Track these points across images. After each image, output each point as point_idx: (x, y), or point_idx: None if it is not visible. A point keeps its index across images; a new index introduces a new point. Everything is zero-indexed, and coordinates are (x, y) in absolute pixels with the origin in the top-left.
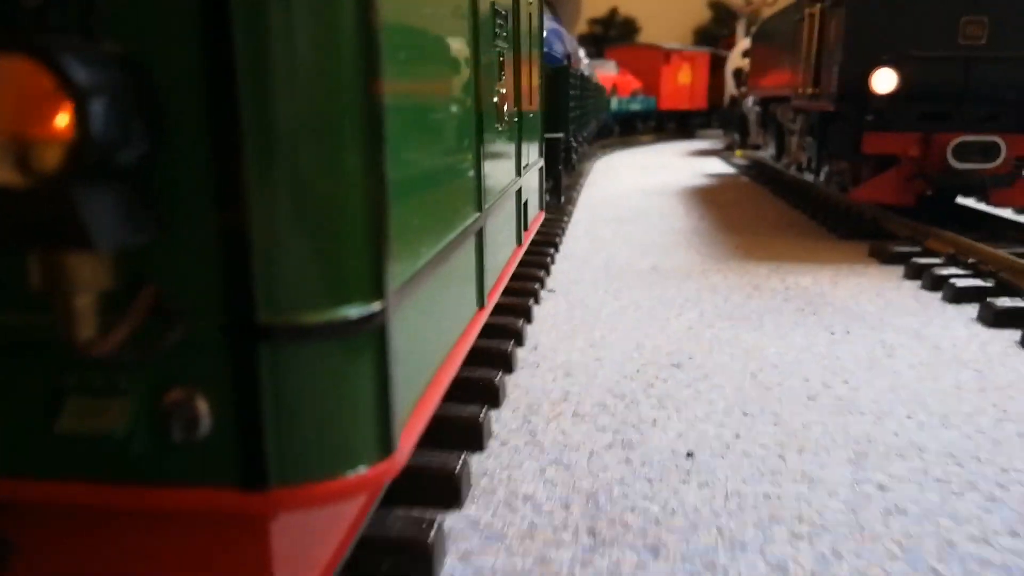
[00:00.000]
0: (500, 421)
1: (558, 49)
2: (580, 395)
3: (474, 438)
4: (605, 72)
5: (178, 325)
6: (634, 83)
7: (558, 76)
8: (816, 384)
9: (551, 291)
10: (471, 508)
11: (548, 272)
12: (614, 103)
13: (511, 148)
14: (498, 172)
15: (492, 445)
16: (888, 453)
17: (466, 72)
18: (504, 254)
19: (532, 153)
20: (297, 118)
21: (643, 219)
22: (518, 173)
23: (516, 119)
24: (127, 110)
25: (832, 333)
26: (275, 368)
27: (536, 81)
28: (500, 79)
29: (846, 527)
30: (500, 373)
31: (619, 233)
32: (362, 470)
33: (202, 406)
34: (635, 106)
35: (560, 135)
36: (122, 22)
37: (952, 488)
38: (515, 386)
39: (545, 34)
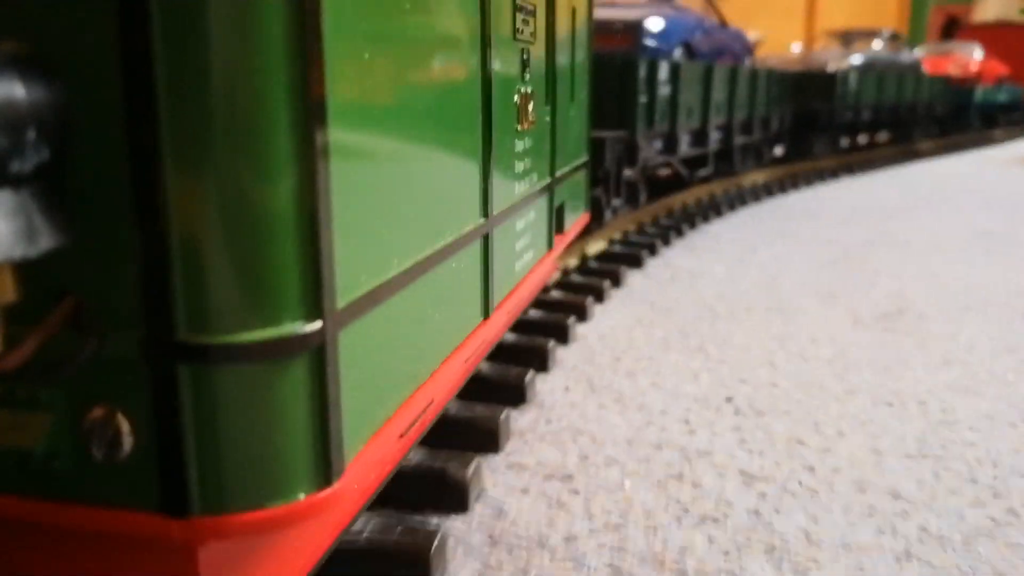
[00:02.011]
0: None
1: (668, 37)
2: None
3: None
4: (963, 57)
5: (92, 340)
6: (999, 69)
7: (624, 70)
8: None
9: None
10: None
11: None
12: (978, 94)
13: (539, 149)
14: (516, 175)
15: None
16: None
17: (467, 71)
18: (526, 260)
19: (573, 152)
20: (220, 122)
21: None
22: (551, 174)
23: (549, 118)
24: (19, 116)
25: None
26: (197, 389)
27: (583, 77)
28: (523, 77)
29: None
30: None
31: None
32: (297, 499)
33: (124, 426)
34: (1001, 96)
35: (618, 133)
36: (31, 22)
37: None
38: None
39: (647, 23)
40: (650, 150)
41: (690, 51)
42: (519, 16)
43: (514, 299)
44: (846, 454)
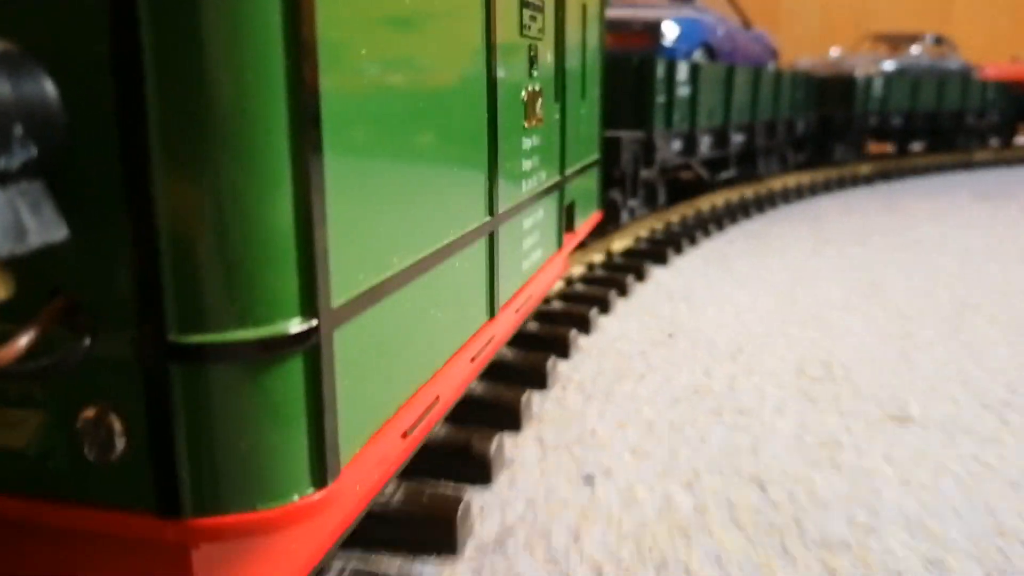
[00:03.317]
0: None
1: (687, 38)
2: None
3: None
4: None
5: (85, 339)
6: None
7: (642, 69)
8: None
9: None
10: None
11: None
12: None
13: (548, 147)
14: (523, 173)
15: None
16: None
17: (470, 67)
18: (534, 259)
19: (584, 151)
20: (210, 118)
21: None
22: (560, 172)
23: (558, 116)
24: (5, 113)
25: None
26: (189, 389)
27: (595, 75)
28: (531, 74)
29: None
30: None
31: None
32: (291, 500)
33: (116, 426)
34: None
35: (635, 133)
36: (20, 19)
37: None
38: None
39: (666, 23)
40: (668, 151)
41: (711, 52)
42: (526, 12)
43: (523, 297)
44: None
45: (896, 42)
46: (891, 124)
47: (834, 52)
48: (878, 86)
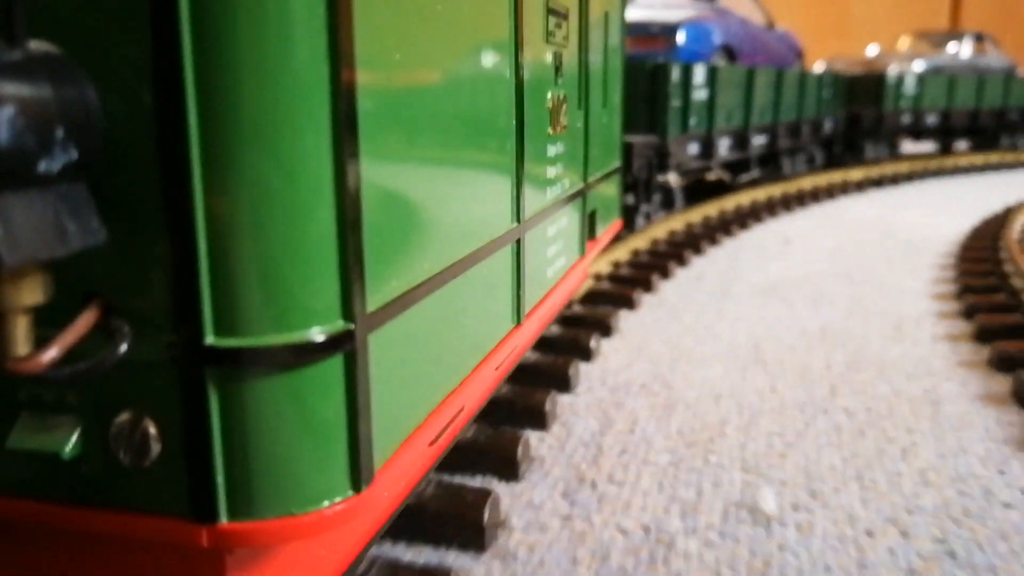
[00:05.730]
0: None
1: (706, 40)
2: None
3: None
4: None
5: (120, 344)
6: None
7: (656, 73)
8: None
9: None
10: None
11: None
12: None
13: (571, 154)
14: (548, 180)
15: None
16: None
17: (499, 74)
18: (557, 267)
19: (606, 158)
20: (249, 125)
21: None
22: (583, 180)
23: (581, 123)
24: (47, 115)
25: None
26: (225, 394)
27: (616, 82)
28: (555, 82)
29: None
30: None
31: None
32: (325, 506)
33: (151, 431)
34: None
35: (648, 138)
36: (62, 23)
37: None
38: None
39: (684, 25)
40: (683, 155)
41: (731, 53)
42: (551, 19)
43: (546, 305)
44: None
45: (937, 40)
46: (925, 122)
47: (871, 50)
48: (910, 83)
